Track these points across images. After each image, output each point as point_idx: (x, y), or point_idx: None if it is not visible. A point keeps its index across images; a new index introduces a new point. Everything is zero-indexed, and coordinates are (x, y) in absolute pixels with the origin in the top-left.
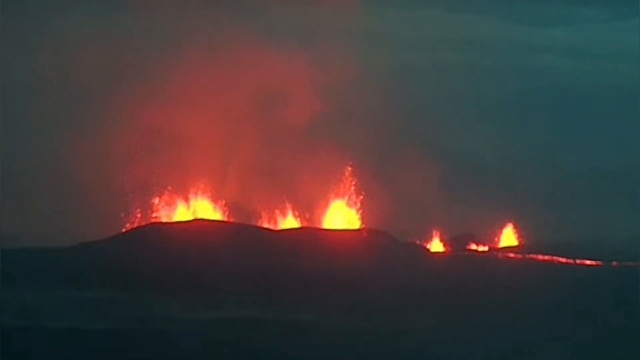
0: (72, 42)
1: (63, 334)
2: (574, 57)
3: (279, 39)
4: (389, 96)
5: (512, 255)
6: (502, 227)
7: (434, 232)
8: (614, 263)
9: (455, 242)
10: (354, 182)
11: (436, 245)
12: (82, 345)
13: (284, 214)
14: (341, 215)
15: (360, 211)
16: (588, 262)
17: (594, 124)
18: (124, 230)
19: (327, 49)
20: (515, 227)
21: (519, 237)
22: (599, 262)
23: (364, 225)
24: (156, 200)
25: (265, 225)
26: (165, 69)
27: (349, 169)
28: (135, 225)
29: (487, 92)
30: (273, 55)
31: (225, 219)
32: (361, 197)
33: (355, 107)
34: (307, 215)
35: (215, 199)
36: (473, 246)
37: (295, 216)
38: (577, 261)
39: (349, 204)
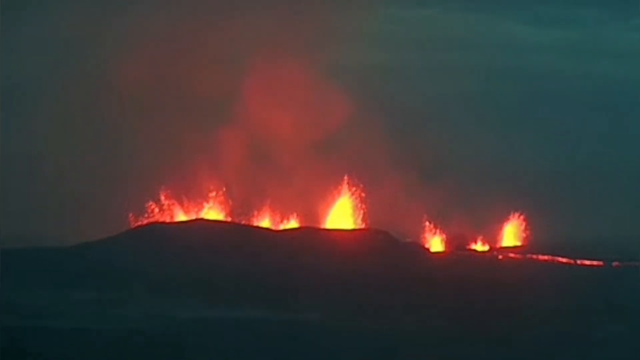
0: (72, 42)
1: (63, 334)
2: (574, 57)
3: (278, 40)
4: (388, 96)
5: (512, 255)
6: (502, 227)
7: (434, 232)
8: (614, 263)
9: (455, 242)
10: (353, 182)
11: (436, 245)
12: (82, 345)
13: (284, 214)
14: (341, 216)
15: (360, 211)
16: (588, 262)
17: (593, 123)
18: (124, 230)
19: (327, 49)
20: (515, 226)
21: (519, 237)
22: (599, 262)
23: (364, 225)
24: (156, 200)
25: (265, 225)
26: (165, 69)
27: (350, 168)
28: (135, 225)
29: (487, 92)
30: (269, 55)
31: (226, 219)
32: (361, 197)
33: (353, 107)
34: (307, 216)
35: (216, 200)
36: (473, 246)
37: (295, 216)
38: (577, 261)
39: (348, 204)
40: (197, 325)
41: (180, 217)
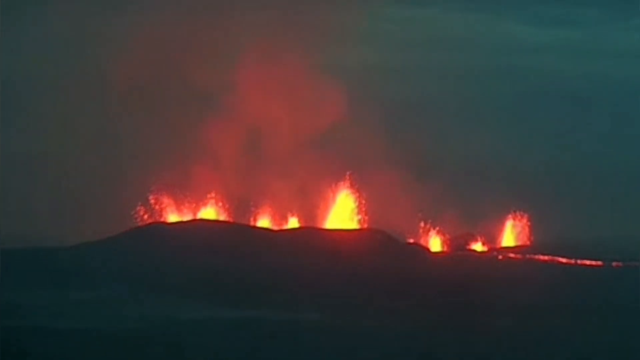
0: (72, 42)
1: (63, 334)
2: (574, 57)
3: (276, 40)
4: (388, 96)
5: (512, 255)
6: (502, 227)
7: (434, 232)
8: (614, 263)
9: (455, 242)
10: (353, 182)
11: (436, 245)
12: (82, 345)
13: (285, 214)
14: (341, 215)
15: (360, 211)
16: (588, 262)
17: (593, 124)
18: (124, 230)
19: (327, 49)
20: (515, 227)
21: (519, 237)
22: (599, 262)
23: (364, 225)
24: (156, 200)
25: (265, 225)
26: (165, 68)
27: (350, 169)
28: (135, 225)
29: (487, 91)
30: (270, 55)
31: (226, 219)
32: (360, 197)
33: (354, 107)
34: (307, 215)
35: (216, 200)
36: (473, 246)
37: (294, 216)
38: (577, 261)
39: (348, 204)
40: (197, 325)
41: (180, 217)
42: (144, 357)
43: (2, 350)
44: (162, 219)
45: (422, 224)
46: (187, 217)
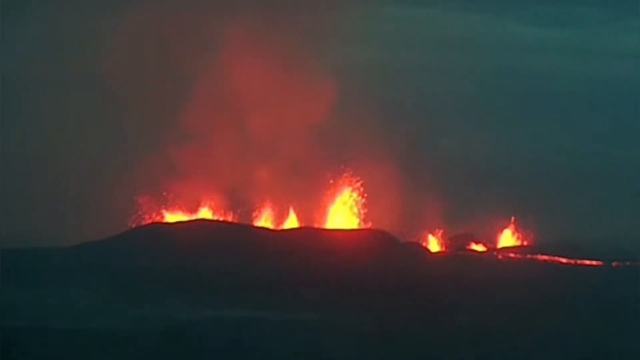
0: (73, 42)
1: (63, 334)
2: (574, 57)
3: (278, 40)
4: (388, 96)
5: (512, 255)
6: (502, 227)
7: (434, 232)
8: (614, 263)
9: (455, 242)
10: (354, 182)
11: (436, 245)
12: (82, 345)
13: (285, 214)
14: (341, 216)
15: (361, 211)
16: (588, 262)
17: (593, 124)
18: (124, 230)
19: (326, 48)
20: (515, 227)
21: (519, 237)
22: (599, 262)
23: (364, 225)
24: (155, 200)
25: (265, 225)
26: (166, 68)
27: (349, 169)
28: (135, 225)
29: (486, 91)
30: (272, 55)
31: (226, 219)
32: (361, 197)
33: (354, 107)
34: (307, 215)
35: (215, 199)
36: (473, 246)
37: (295, 216)
38: (577, 261)
39: (349, 204)
40: (197, 325)
41: (180, 217)
42: (144, 357)
43: (2, 350)
44: (161, 219)
45: (421, 224)
46: (186, 217)
